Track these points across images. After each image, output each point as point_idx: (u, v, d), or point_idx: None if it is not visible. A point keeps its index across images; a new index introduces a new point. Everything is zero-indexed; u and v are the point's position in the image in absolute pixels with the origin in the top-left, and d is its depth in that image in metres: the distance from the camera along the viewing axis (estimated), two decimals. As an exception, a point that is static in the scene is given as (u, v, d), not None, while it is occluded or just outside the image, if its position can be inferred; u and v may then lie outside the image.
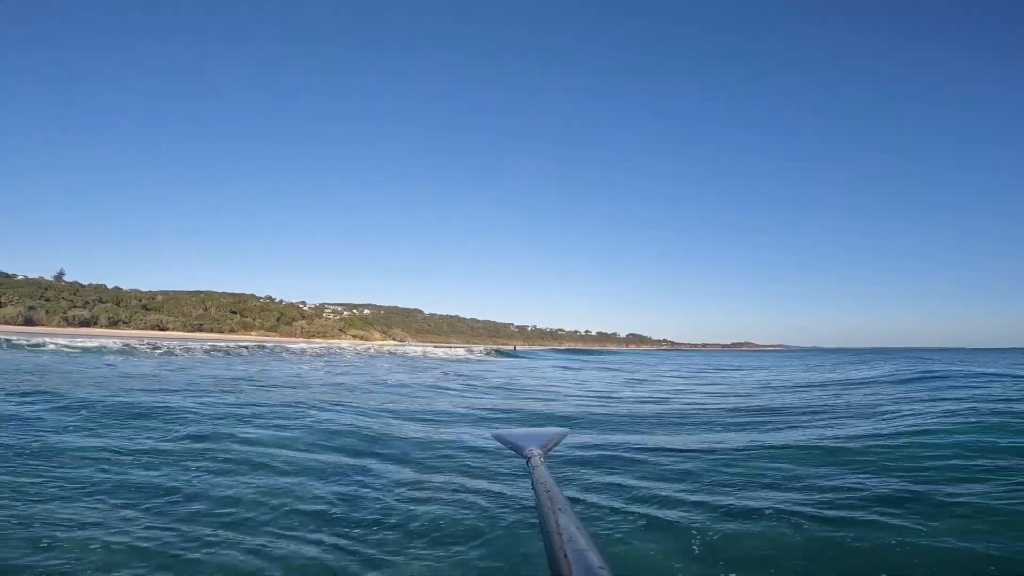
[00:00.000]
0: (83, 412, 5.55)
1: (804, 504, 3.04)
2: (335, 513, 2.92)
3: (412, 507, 3.01)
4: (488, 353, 40.47)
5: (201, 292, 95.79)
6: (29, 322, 68.36)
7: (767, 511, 2.93)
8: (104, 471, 3.53)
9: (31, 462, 3.64)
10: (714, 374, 18.20)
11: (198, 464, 3.76)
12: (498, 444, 1.65)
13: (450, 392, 10.07)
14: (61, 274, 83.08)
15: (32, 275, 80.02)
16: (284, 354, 24.72)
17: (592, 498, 3.18)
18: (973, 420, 5.40)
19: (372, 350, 37.78)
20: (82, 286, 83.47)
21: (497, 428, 1.99)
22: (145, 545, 2.43)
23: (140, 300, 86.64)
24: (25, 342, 21.27)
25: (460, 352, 38.92)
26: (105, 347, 21.39)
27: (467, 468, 3.91)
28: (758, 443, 4.81)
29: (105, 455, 3.92)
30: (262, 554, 2.39)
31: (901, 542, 2.54)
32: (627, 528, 2.75)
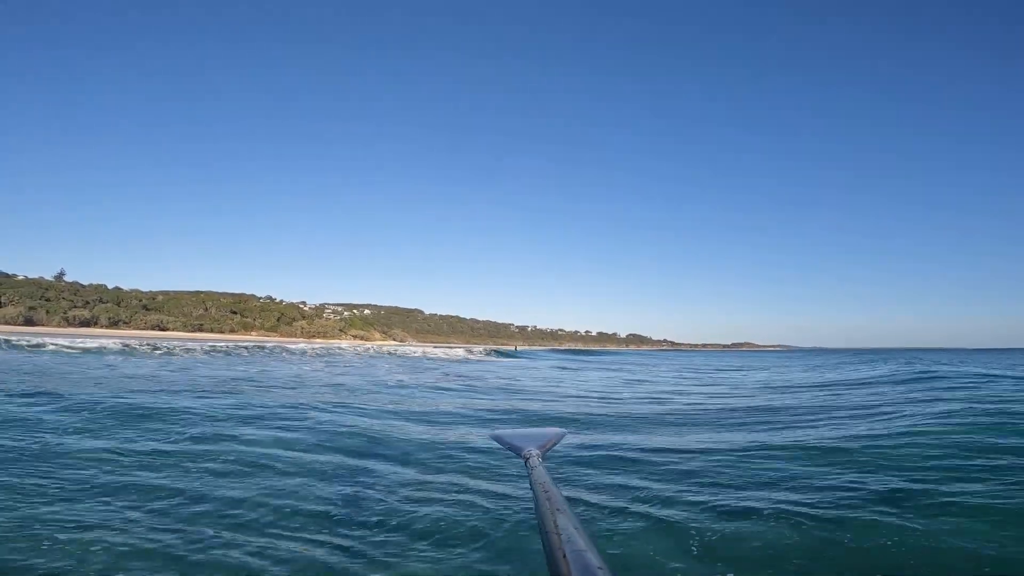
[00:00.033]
0: (84, 413, 5.57)
1: (803, 504, 3.05)
2: (338, 514, 2.94)
3: (414, 508, 3.02)
4: (487, 353, 40.47)
5: (201, 292, 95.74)
6: (29, 322, 68.36)
7: (766, 511, 2.94)
8: (106, 472, 3.54)
9: (32, 464, 3.65)
10: (714, 375, 18.21)
11: (200, 465, 3.77)
12: (497, 445, 1.66)
13: (450, 393, 10.08)
14: (61, 274, 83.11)
15: (32, 275, 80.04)
16: (284, 354, 24.73)
17: (592, 498, 3.20)
18: (970, 420, 5.42)
19: (372, 350, 37.79)
20: (82, 286, 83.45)
21: (497, 428, 2.01)
22: (148, 546, 2.45)
23: (140, 300, 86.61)
24: (25, 343, 21.29)
25: (459, 352, 38.92)
26: (105, 348, 21.39)
27: (468, 469, 3.92)
28: (757, 443, 4.82)
29: (107, 456, 3.93)
30: (265, 555, 2.41)
31: (899, 542, 2.56)
32: (626, 528, 2.76)
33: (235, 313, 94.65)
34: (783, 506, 3.02)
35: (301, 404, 6.97)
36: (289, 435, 4.89)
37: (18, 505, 2.87)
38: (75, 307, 77.12)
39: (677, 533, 2.69)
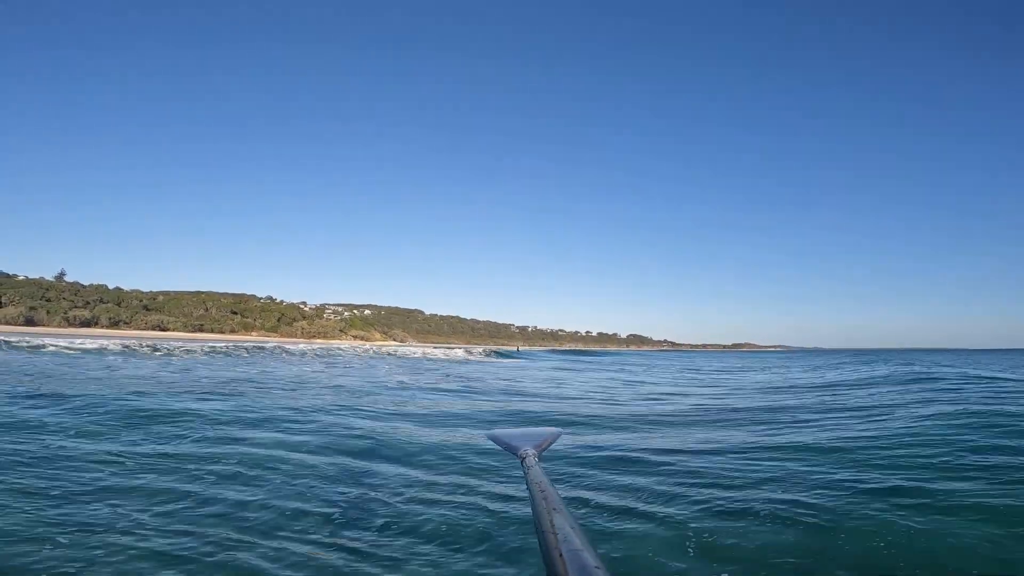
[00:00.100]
0: (86, 416, 5.59)
1: (802, 504, 3.08)
2: (343, 517, 2.97)
3: (419, 510, 3.06)
4: (487, 354, 40.47)
5: (202, 292, 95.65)
6: (30, 322, 68.31)
7: (765, 511, 2.97)
8: (111, 475, 3.57)
9: (37, 466, 3.67)
10: (714, 375, 18.24)
11: (205, 468, 3.80)
12: (495, 445, 1.69)
13: (451, 394, 10.11)
14: (62, 274, 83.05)
15: (33, 275, 79.93)
16: (284, 355, 24.74)
17: (592, 498, 3.22)
18: (965, 420, 5.46)
19: (372, 351, 37.80)
20: (83, 286, 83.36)
21: (496, 428, 2.04)
22: (155, 549, 2.47)
23: (141, 300, 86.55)
24: (25, 344, 21.31)
25: (459, 353, 38.92)
26: (105, 349, 21.41)
27: (471, 470, 3.95)
28: (756, 443, 4.85)
29: (111, 459, 3.96)
30: (272, 558, 2.44)
31: (898, 541, 2.59)
32: (626, 528, 2.79)
33: (235, 313, 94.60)
34: (782, 506, 3.05)
35: (302, 406, 7.00)
36: (292, 437, 4.92)
37: (24, 508, 2.88)
38: (75, 307, 77.09)
39: (675, 532, 2.72)
